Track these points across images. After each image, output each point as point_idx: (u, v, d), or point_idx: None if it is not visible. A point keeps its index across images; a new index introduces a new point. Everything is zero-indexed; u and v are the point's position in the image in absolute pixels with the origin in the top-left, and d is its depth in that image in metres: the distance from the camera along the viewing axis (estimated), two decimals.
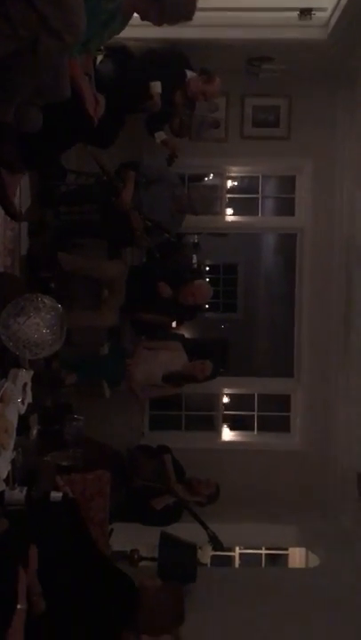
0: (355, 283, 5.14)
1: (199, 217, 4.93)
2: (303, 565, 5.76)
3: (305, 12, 4.39)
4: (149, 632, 2.12)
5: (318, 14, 4.47)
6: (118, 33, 2.94)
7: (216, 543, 4.37)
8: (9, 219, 3.60)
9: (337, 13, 4.29)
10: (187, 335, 7.84)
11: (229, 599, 4.10)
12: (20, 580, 2.02)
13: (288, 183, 5.80)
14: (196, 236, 8.79)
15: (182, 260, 5.39)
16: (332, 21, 4.41)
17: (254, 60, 4.92)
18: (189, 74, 4.40)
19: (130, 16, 2.90)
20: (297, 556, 6.03)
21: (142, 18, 2.88)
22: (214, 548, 4.45)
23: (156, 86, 4.09)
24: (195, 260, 8.99)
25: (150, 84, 4.08)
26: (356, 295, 5.11)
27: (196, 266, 8.60)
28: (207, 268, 11.11)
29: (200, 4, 3.02)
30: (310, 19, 4.42)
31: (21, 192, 3.95)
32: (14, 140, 2.74)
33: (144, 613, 2.16)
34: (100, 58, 4.12)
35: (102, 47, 3.90)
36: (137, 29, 3.35)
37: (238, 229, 6.22)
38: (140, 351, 4.74)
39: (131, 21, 2.95)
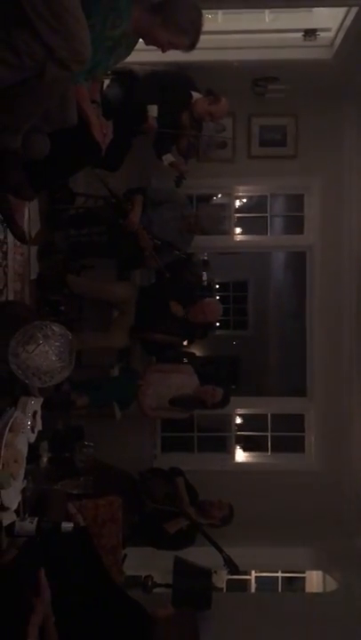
0: None
1: (208, 237, 4.93)
2: (321, 589, 5.65)
3: (309, 33, 4.43)
4: None
5: (323, 35, 4.51)
6: (124, 59, 2.96)
7: (231, 566, 4.29)
8: (18, 243, 3.62)
9: (341, 34, 4.33)
10: (198, 353, 7.80)
11: (245, 625, 4.02)
12: (37, 612, 1.97)
13: (296, 201, 5.80)
14: (205, 254, 8.79)
15: (192, 278, 5.38)
16: (337, 41, 4.43)
17: (260, 80, 4.96)
18: (195, 95, 4.43)
19: (136, 41, 2.92)
20: (314, 579, 5.92)
21: (147, 42, 2.90)
22: (230, 572, 4.38)
23: (153, 110, 4.10)
24: (205, 277, 8.95)
25: (147, 107, 4.10)
26: None
27: (206, 283, 8.58)
28: (217, 286, 11.10)
29: (205, 28, 3.05)
30: (315, 39, 4.46)
31: (30, 216, 3.97)
32: (22, 166, 2.75)
33: None
34: (107, 82, 4.16)
35: (109, 71, 3.93)
36: (143, 54, 3.38)
37: (247, 248, 6.22)
38: (150, 374, 4.71)
39: (136, 46, 2.97)
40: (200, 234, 4.75)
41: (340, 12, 4.26)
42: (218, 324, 9.66)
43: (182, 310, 4.61)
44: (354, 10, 4.03)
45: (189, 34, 2.71)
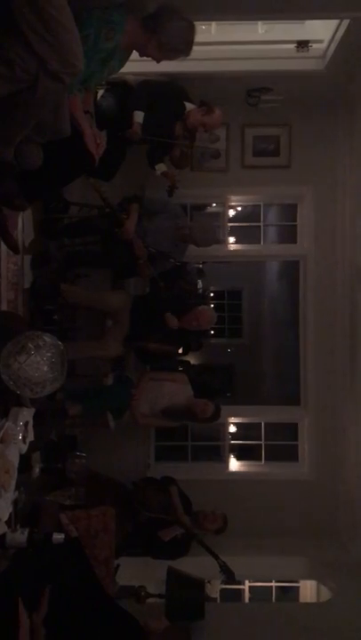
0: (359, 308, 5.12)
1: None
2: (315, 598, 5.63)
3: (302, 45, 4.46)
4: None
5: (315, 46, 4.54)
6: (118, 70, 2.99)
7: (228, 573, 4.30)
8: (11, 253, 3.62)
9: (333, 45, 4.36)
10: (192, 361, 7.79)
11: (239, 636, 4.00)
12: (22, 625, 1.97)
13: (290, 211, 5.82)
14: (201, 262, 8.80)
15: (187, 286, 5.39)
16: (329, 53, 4.47)
17: (253, 90, 4.98)
18: (189, 106, 4.45)
19: (129, 53, 2.95)
20: (308, 589, 5.90)
21: (141, 54, 2.93)
22: (226, 579, 4.37)
23: (139, 116, 4.13)
24: (200, 285, 8.97)
25: (133, 113, 4.12)
26: None
27: (201, 291, 8.59)
28: (212, 294, 11.10)
29: (198, 39, 3.08)
30: (307, 50, 4.49)
31: (24, 225, 3.97)
32: (15, 177, 2.75)
33: None
34: (101, 92, 4.18)
35: (103, 82, 3.95)
36: (137, 64, 3.40)
37: (241, 258, 6.23)
38: (145, 382, 4.70)
39: (131, 56, 3.00)
40: (194, 245, 4.77)
41: (333, 23, 4.29)
42: (212, 332, 9.67)
43: (177, 322, 4.60)
44: (346, 22, 4.07)
45: (184, 52, 2.78)
